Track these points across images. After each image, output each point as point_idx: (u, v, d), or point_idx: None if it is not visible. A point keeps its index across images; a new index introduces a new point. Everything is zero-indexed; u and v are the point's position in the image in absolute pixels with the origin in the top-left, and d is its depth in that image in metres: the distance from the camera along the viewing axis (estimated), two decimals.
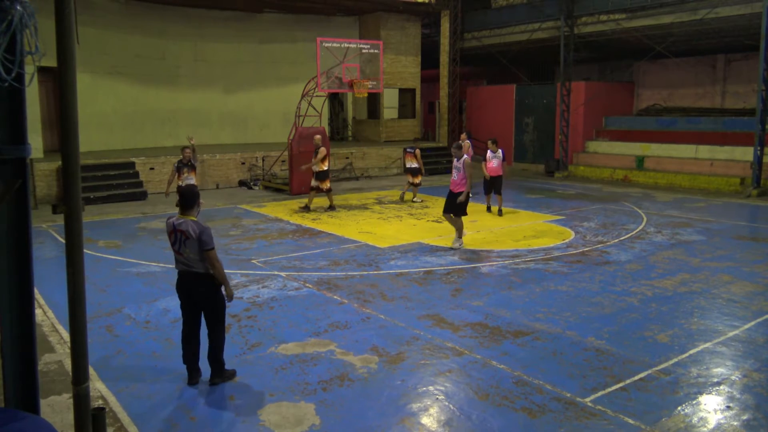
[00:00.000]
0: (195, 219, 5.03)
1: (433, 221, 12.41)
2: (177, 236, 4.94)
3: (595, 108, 21.21)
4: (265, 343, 6.00)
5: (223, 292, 5.11)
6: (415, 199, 15.01)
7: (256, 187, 17.53)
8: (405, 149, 15.40)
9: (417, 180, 14.91)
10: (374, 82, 17.23)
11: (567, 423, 4.47)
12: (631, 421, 4.49)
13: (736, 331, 6.28)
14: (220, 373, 5.15)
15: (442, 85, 23.61)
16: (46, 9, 2.78)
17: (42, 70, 3.44)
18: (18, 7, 2.36)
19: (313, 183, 13.53)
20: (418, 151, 14.81)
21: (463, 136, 15.04)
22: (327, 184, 13.61)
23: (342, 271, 8.70)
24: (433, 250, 9.93)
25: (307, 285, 7.98)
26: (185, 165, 11.17)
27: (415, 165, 14.83)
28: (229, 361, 5.35)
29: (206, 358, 5.15)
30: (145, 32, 19.39)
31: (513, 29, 21.77)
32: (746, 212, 14.08)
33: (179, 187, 5.19)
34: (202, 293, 5.03)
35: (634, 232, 11.33)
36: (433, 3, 21.79)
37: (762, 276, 8.46)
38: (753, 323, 6.53)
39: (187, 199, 5.04)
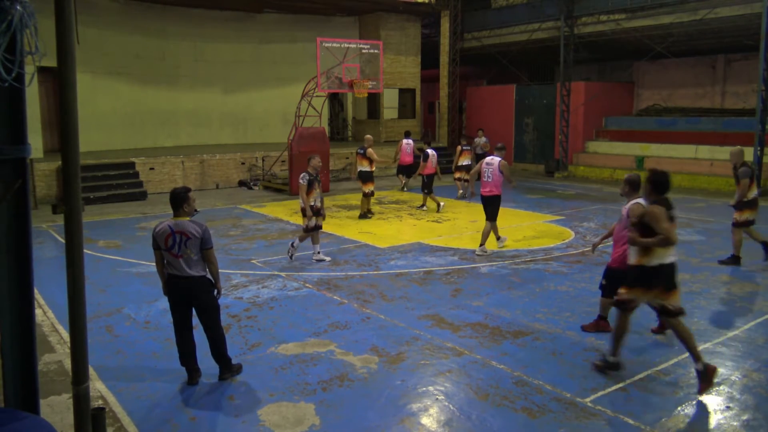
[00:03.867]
0: (190, 220, 5.06)
1: (432, 221, 12.40)
2: (176, 238, 4.94)
3: (595, 108, 21.20)
4: (265, 343, 6.00)
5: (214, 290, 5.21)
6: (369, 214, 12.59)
7: (256, 188, 17.53)
8: (357, 150, 13.01)
9: (367, 188, 12.38)
10: (374, 82, 17.22)
11: (567, 423, 4.47)
12: (631, 421, 4.49)
13: (736, 331, 6.28)
14: (229, 368, 5.24)
15: (442, 85, 23.60)
16: (46, 9, 2.78)
17: (42, 70, 3.44)
18: (18, 7, 2.36)
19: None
20: (370, 151, 12.39)
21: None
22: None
23: (342, 271, 8.69)
24: (433, 250, 9.93)
25: (307, 285, 7.98)
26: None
27: (366, 168, 12.49)
28: None
29: (211, 357, 5.19)
30: (145, 32, 19.39)
31: (513, 29, 21.76)
32: None
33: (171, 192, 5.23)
34: (204, 298, 5.09)
35: None
36: (433, 3, 21.79)
37: (762, 276, 8.46)
38: (753, 323, 6.54)
39: (173, 199, 5.06)
